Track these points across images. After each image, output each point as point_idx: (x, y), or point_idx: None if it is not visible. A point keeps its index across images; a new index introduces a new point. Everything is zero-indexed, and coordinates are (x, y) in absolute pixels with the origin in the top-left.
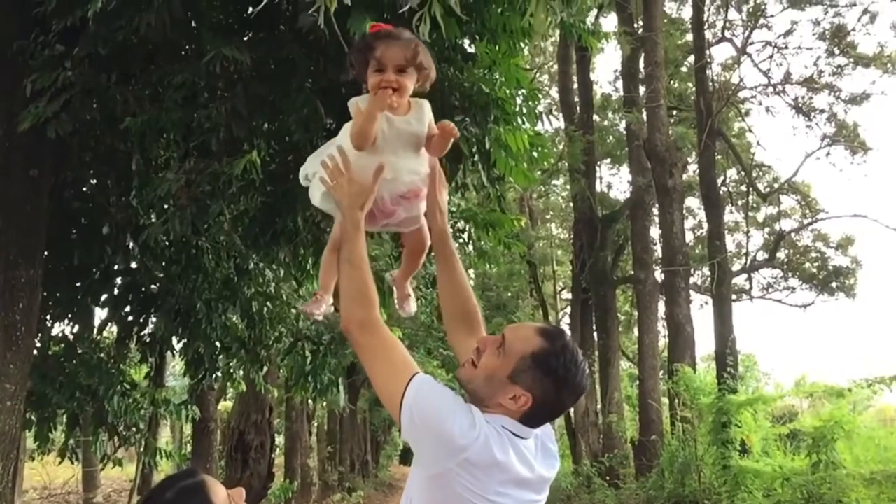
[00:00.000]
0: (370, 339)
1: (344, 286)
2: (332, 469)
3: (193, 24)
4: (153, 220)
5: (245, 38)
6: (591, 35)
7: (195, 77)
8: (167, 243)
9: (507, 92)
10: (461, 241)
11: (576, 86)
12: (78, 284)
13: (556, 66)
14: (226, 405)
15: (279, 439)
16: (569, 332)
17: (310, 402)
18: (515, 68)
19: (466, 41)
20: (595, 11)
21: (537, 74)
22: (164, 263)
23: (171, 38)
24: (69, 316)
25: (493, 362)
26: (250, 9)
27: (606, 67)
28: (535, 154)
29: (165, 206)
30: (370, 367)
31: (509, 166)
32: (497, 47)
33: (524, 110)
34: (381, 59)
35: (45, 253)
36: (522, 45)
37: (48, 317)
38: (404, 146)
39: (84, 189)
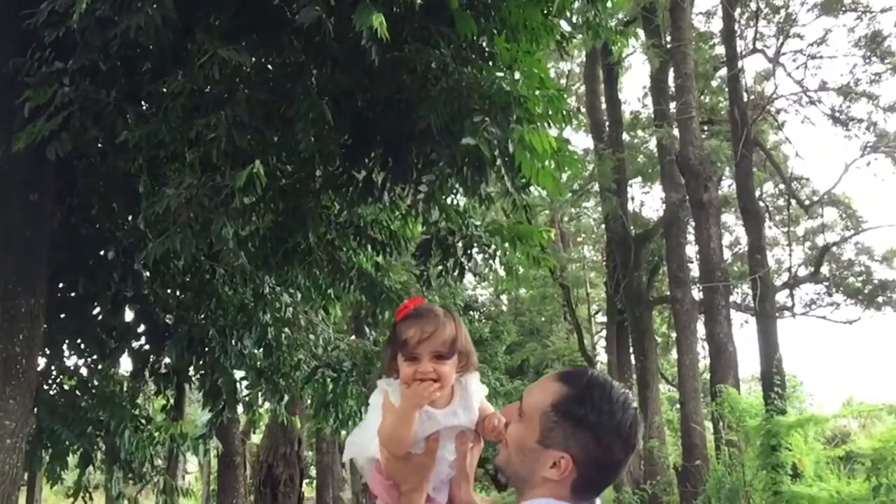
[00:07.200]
0: None
1: None
2: (367, 502)
3: (190, 30)
4: None
5: (245, 42)
6: (618, 35)
7: (193, 84)
8: (179, 269)
9: (530, 91)
10: (487, 255)
11: (604, 105)
12: (94, 312)
13: (583, 87)
14: (258, 437)
15: (312, 471)
16: (596, 368)
17: (343, 432)
18: (538, 64)
19: (485, 40)
20: (622, 26)
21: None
22: (176, 291)
23: (178, 50)
24: (81, 347)
25: (518, 431)
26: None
27: (634, 85)
28: (564, 163)
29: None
30: None
31: (535, 169)
32: (518, 44)
33: (549, 111)
34: (414, 347)
35: (59, 283)
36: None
37: (63, 348)
38: (450, 440)
39: (92, 213)
